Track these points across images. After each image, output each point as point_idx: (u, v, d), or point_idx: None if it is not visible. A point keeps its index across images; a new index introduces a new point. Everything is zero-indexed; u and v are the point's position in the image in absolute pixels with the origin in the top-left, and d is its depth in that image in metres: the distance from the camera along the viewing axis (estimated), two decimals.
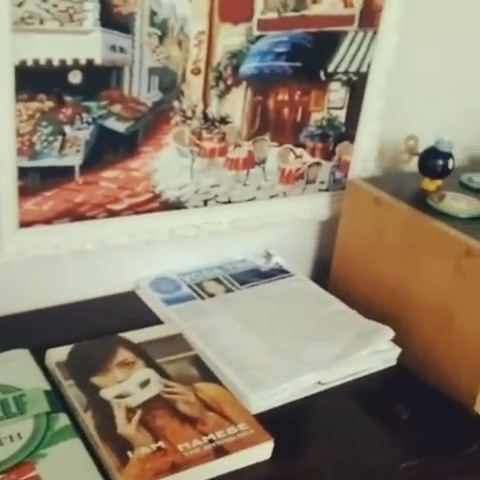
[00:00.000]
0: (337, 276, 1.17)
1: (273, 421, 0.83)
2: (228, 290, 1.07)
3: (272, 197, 1.11)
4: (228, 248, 1.14)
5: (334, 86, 1.08)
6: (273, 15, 0.96)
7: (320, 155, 1.13)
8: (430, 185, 1.10)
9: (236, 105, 1.00)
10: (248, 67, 0.98)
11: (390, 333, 0.97)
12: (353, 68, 1.08)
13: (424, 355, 1.01)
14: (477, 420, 0.91)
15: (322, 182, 1.16)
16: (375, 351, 0.95)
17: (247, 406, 0.84)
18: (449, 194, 1.08)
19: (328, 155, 1.13)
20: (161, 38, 0.89)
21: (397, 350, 0.97)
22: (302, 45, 1.01)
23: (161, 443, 0.75)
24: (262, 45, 0.97)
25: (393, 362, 0.97)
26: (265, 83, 1.01)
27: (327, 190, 1.17)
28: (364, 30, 1.05)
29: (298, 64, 1.02)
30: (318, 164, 1.13)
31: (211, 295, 1.05)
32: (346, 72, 1.07)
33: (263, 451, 0.78)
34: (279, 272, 1.13)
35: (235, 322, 0.99)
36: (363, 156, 1.16)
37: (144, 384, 0.84)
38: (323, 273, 1.21)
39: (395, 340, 0.99)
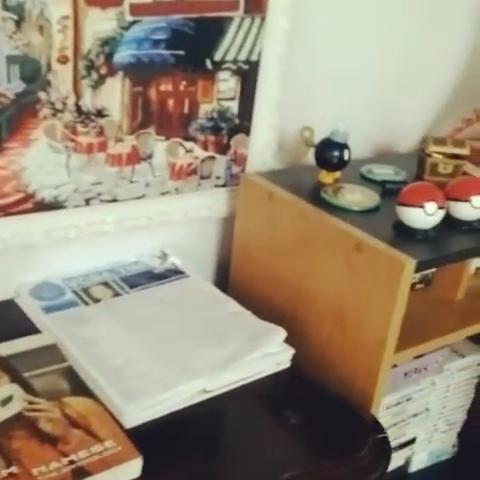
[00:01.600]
0: (237, 275, 1.12)
1: (151, 434, 0.77)
2: (116, 294, 1.00)
3: (163, 194, 1.05)
4: (121, 250, 1.07)
5: (223, 75, 1.02)
6: None
7: (213, 149, 1.07)
8: (327, 177, 1.06)
9: (113, 96, 0.93)
10: (123, 55, 0.91)
11: (282, 334, 0.92)
12: (242, 56, 1.02)
13: (321, 355, 0.97)
14: (371, 423, 0.87)
15: (218, 177, 1.10)
16: (266, 354, 0.90)
17: (121, 420, 0.78)
18: (346, 186, 1.04)
19: (222, 149, 1.08)
20: (18, 23, 0.81)
21: (290, 351, 0.92)
22: (183, 32, 0.95)
23: (14, 468, 0.68)
24: (137, 32, 0.91)
25: (287, 364, 0.92)
26: (145, 73, 0.95)
27: (224, 186, 1.11)
28: (251, 16, 1.00)
29: (180, 52, 0.96)
30: (212, 158, 1.08)
31: (97, 300, 0.98)
32: (235, 61, 1.02)
33: (131, 469, 0.71)
34: (174, 273, 1.07)
35: (119, 328, 0.92)
36: (260, 149, 1.11)
37: (5, 402, 0.76)
38: (225, 273, 1.16)
39: (293, 340, 0.94)
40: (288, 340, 0.93)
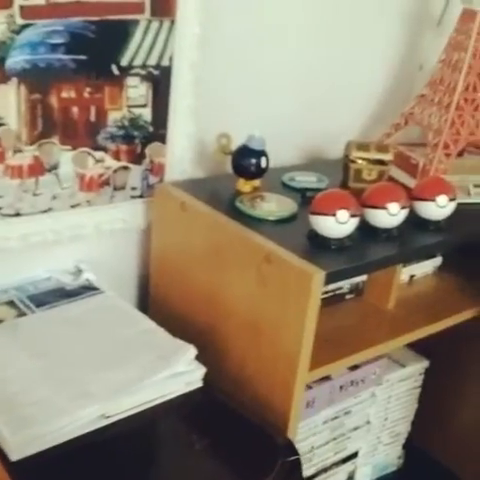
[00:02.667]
0: (156, 290, 1.07)
1: (42, 466, 0.72)
2: (21, 314, 0.94)
3: (73, 207, 1.00)
4: (30, 266, 1.02)
5: (132, 81, 0.97)
6: (40, 1, 0.85)
7: (127, 158, 1.02)
8: (245, 186, 1.02)
9: (8, 104, 0.87)
10: (16, 61, 0.86)
11: (192, 352, 0.87)
12: (152, 61, 0.98)
13: (239, 372, 0.93)
14: (282, 445, 0.82)
15: (134, 188, 1.05)
16: (174, 373, 0.85)
17: (8, 452, 0.72)
18: (263, 195, 1.00)
19: (137, 158, 1.03)
20: None
21: (201, 370, 0.87)
22: (83, 35, 0.90)
23: None
24: (31, 36, 0.86)
25: (198, 384, 0.87)
26: (42, 79, 0.89)
27: (141, 197, 1.06)
28: (159, 19, 0.96)
29: (82, 57, 0.91)
30: (126, 168, 1.02)
31: None
32: (144, 66, 0.97)
33: None
34: (87, 290, 1.01)
35: (19, 351, 0.86)
36: (178, 158, 1.06)
37: None
38: (146, 288, 1.10)
39: (212, 357, 0.89)
40: (207, 357, 0.88)
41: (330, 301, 1.11)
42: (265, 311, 0.87)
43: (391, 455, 1.43)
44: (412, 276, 1.23)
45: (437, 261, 1.27)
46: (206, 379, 0.87)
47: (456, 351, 1.41)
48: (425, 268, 1.25)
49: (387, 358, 1.33)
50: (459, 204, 1.06)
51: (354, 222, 0.86)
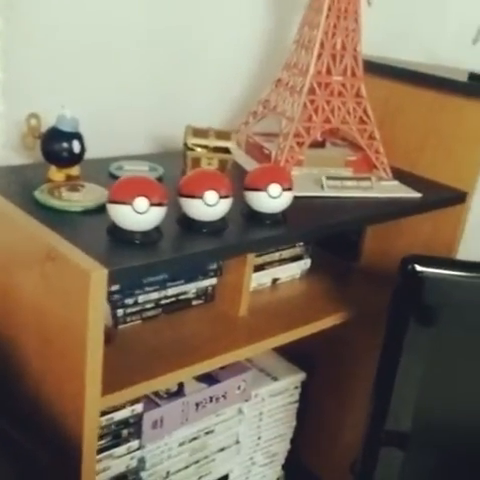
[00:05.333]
0: None
1: None
2: None
3: None
4: None
5: None
6: None
7: None
8: (58, 175, 0.87)
9: None
10: None
11: None
12: None
13: (36, 393, 0.77)
14: None
15: None
16: None
17: None
18: (77, 184, 0.85)
19: None
20: None
21: None
22: None
23: None
24: None
25: None
26: None
27: None
28: None
29: None
30: None
31: None
32: None
33: None
34: None
35: None
36: None
37: None
38: None
39: (9, 376, 0.75)
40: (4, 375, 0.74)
41: (173, 307, 0.98)
42: (52, 319, 0.72)
43: (269, 476, 1.31)
44: (275, 280, 1.11)
45: (305, 264, 1.15)
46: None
47: (338, 361, 1.30)
48: (291, 271, 1.14)
49: (257, 370, 1.21)
50: (313, 197, 0.97)
51: (158, 212, 0.72)
